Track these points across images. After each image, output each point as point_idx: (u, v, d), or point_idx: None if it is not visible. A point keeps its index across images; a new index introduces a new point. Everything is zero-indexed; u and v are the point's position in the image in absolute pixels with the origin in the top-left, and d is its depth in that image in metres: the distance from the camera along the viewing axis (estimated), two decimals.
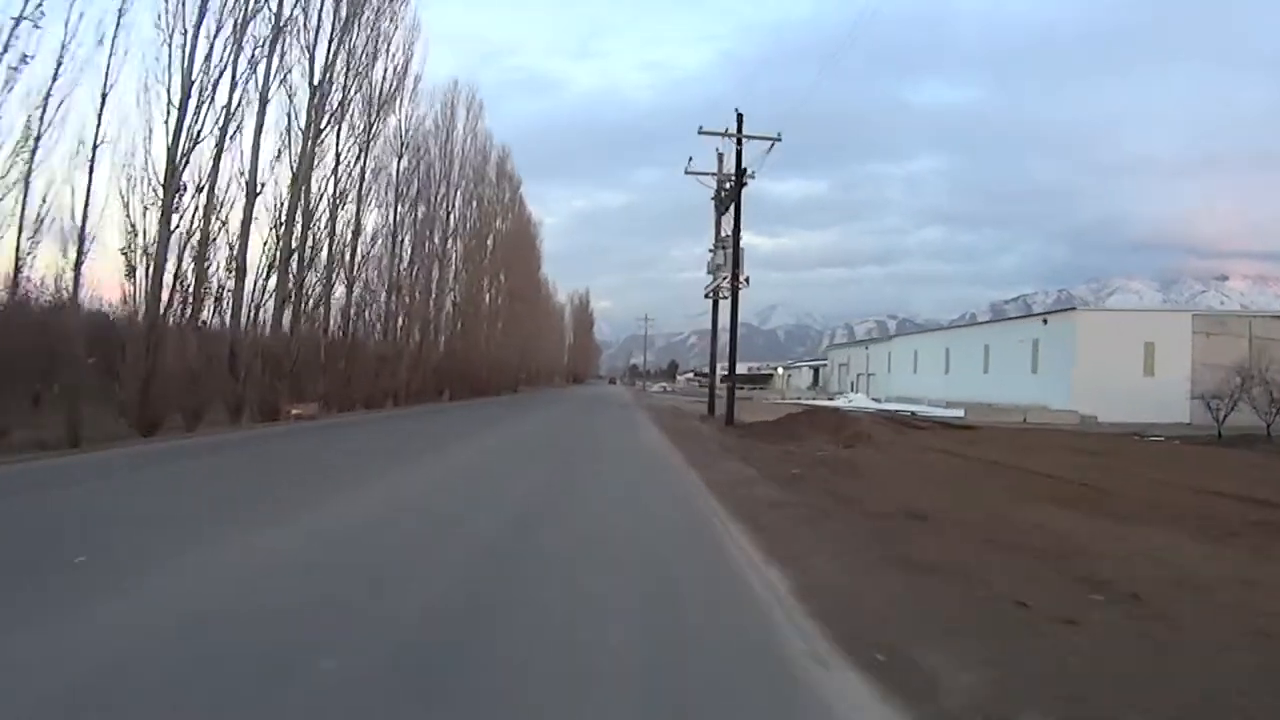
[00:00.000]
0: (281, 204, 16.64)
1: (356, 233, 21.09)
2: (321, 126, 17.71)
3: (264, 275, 16.19)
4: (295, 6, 16.86)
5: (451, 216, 30.22)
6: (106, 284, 13.52)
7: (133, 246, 13.07)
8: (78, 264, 12.25)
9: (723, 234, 26.40)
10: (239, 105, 15.09)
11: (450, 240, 29.50)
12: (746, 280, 22.78)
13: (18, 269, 11.39)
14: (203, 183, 14.75)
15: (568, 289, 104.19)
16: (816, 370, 79.86)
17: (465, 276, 32.19)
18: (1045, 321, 45.34)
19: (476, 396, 35.84)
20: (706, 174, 27.57)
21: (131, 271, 13.08)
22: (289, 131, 17.06)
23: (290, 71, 17.02)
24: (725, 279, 23.35)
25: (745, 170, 23.27)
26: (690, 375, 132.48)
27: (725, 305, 26.73)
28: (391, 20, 20.47)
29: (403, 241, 24.39)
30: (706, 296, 26.70)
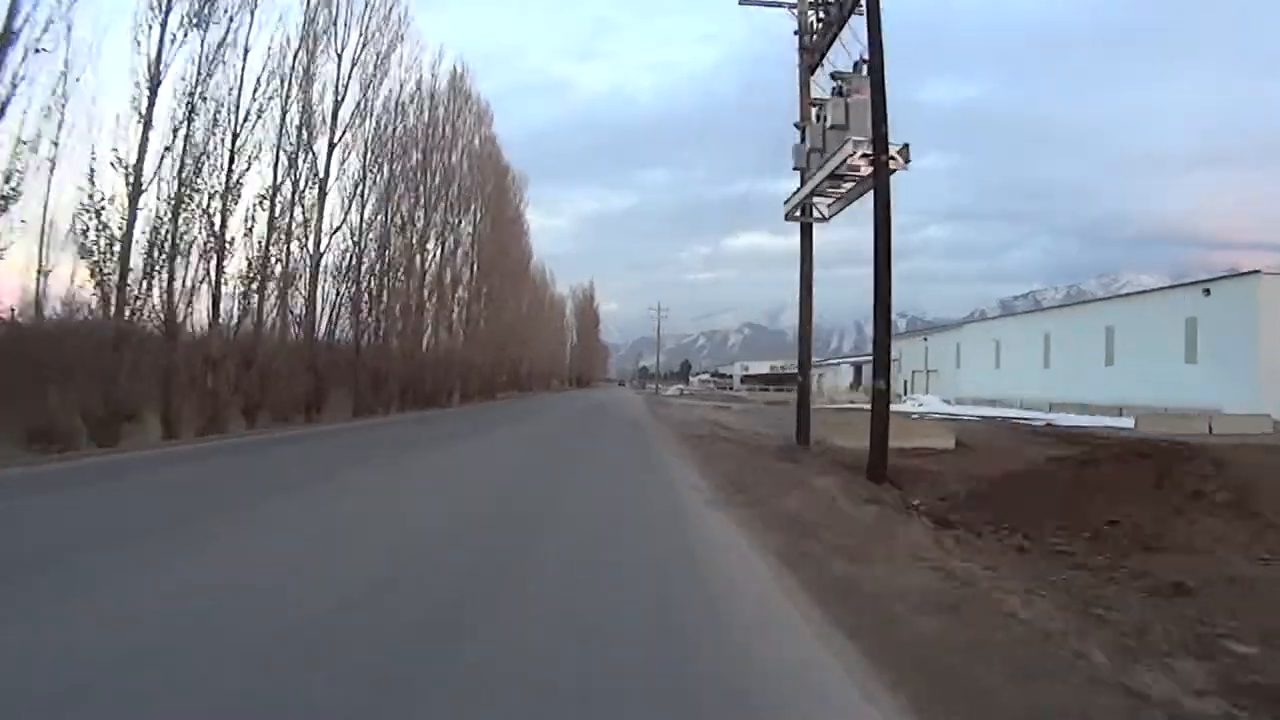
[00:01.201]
0: None
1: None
2: None
3: None
4: None
5: (342, 110, 17.61)
6: None
7: None
8: None
9: (814, 97, 13.58)
10: None
11: (332, 132, 16.77)
12: (903, 154, 9.93)
13: None
14: None
15: (570, 284, 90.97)
16: (859, 367, 66.63)
17: (376, 213, 19.42)
18: (1207, 292, 32.06)
19: (414, 407, 23.14)
20: (779, 3, 14.78)
21: None
22: None
23: None
24: (845, 163, 10.55)
25: None
26: (705, 376, 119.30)
27: (822, 233, 13.84)
28: None
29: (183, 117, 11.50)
30: (789, 217, 13.77)
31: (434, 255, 24.75)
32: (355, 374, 19.34)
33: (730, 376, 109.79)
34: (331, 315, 17.72)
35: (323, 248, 16.60)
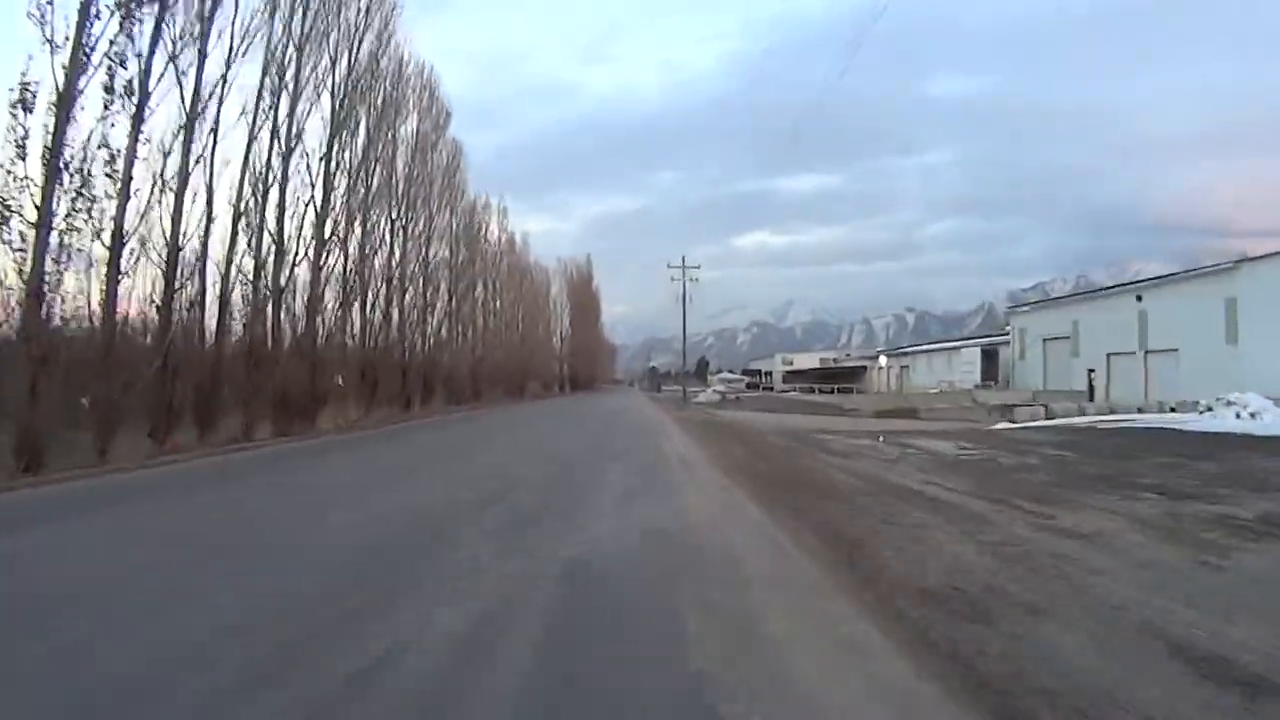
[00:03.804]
0: None
1: None
2: None
3: None
4: None
5: None
6: None
7: None
8: None
9: None
10: None
11: None
12: None
13: None
14: None
15: (560, 256, 67.31)
16: (993, 352, 43.32)
17: None
18: None
19: None
20: None
21: None
22: None
23: None
24: None
25: None
26: (730, 375, 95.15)
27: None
28: None
29: None
30: None
31: None
32: None
33: (768, 374, 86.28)
34: None
35: None
